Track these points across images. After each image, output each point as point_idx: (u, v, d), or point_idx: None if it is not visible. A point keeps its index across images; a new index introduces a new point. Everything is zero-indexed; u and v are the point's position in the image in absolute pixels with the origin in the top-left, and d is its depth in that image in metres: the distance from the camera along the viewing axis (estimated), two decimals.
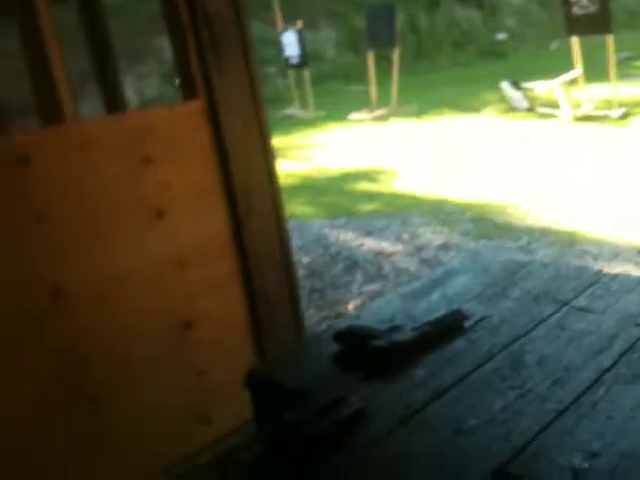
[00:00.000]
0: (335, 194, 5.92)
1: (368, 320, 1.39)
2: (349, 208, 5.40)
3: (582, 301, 1.36)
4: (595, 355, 1.15)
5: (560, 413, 1.00)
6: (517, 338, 1.25)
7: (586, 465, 0.89)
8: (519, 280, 1.50)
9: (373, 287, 3.68)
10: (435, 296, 1.50)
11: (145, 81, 15.38)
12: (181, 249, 2.22)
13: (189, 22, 2.27)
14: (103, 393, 2.01)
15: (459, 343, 1.26)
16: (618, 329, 1.22)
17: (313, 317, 3.33)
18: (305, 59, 11.77)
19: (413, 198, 5.36)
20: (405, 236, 4.47)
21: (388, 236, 4.52)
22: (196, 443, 2.10)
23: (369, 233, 4.63)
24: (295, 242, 4.47)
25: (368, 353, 1.23)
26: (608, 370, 1.09)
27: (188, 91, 2.31)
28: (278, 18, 12.90)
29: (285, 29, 12.32)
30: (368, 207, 5.36)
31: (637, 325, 1.23)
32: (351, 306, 3.42)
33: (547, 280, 1.49)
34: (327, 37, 18.44)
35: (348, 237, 4.59)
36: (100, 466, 1.97)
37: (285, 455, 0.99)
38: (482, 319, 1.35)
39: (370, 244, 4.41)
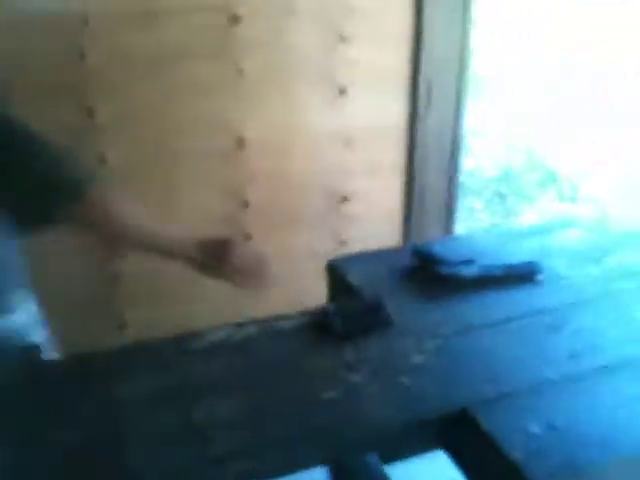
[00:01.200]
0: None
1: (455, 246, 1.50)
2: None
3: None
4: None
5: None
6: (573, 305, 1.30)
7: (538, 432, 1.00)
8: (626, 249, 1.49)
9: (559, 207, 3.58)
10: (534, 243, 1.54)
11: None
12: (354, 127, 2.40)
13: None
14: (256, 233, 2.36)
15: (516, 293, 1.34)
16: None
17: (483, 221, 3.38)
18: None
19: None
20: None
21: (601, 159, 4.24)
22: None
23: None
24: (505, 139, 4.40)
25: (428, 276, 1.37)
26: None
27: None
28: None
29: None
30: None
31: None
32: (525, 220, 3.40)
33: None
34: None
35: (563, 149, 4.38)
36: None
37: (312, 337, 1.21)
38: (558, 278, 1.40)
39: (578, 162, 4.19)
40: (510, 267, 1.38)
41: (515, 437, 1.00)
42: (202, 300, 2.33)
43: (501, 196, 3.69)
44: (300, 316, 1.29)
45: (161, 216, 2.20)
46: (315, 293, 2.39)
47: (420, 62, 2.39)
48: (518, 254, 1.46)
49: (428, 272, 1.38)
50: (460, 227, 2.84)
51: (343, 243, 2.50)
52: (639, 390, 1.09)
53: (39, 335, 1.37)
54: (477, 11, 2.46)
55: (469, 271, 1.36)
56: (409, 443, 1.12)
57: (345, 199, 2.47)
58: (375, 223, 2.54)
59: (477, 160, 4.12)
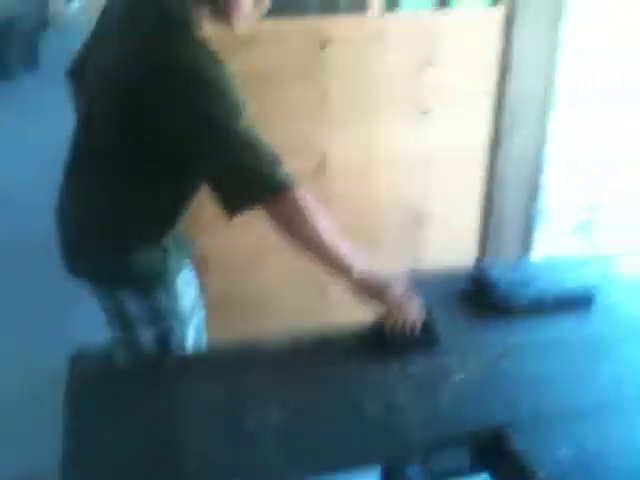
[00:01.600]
0: None
1: (512, 271, 1.53)
2: None
3: None
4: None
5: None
6: (621, 334, 1.31)
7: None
8: None
9: None
10: (592, 272, 1.55)
11: None
12: (435, 148, 2.45)
13: None
14: None
15: (566, 319, 1.37)
16: None
17: (567, 248, 3.30)
18: None
19: None
20: None
21: None
22: None
23: None
24: (598, 170, 4.26)
25: (481, 299, 1.42)
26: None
27: None
28: None
29: None
30: None
31: None
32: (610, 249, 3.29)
33: None
34: None
35: None
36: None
37: (362, 352, 1.30)
38: (611, 307, 1.41)
39: None
40: (563, 294, 1.41)
41: (544, 458, 1.04)
42: (279, 312, 2.47)
43: (589, 224, 3.59)
44: (353, 331, 1.37)
45: None
46: None
47: (507, 86, 2.42)
48: (574, 282, 1.47)
49: (482, 295, 1.43)
50: (542, 253, 2.81)
51: (420, 263, 2.55)
52: None
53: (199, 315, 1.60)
54: (566, 33, 2.45)
55: (521, 296, 1.40)
56: (447, 458, 1.18)
57: (424, 220, 2.53)
58: (453, 244, 2.57)
59: (567, 187, 4.03)
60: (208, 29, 1.41)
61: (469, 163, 2.50)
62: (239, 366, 1.29)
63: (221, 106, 1.25)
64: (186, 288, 1.53)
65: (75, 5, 10.52)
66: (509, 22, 2.35)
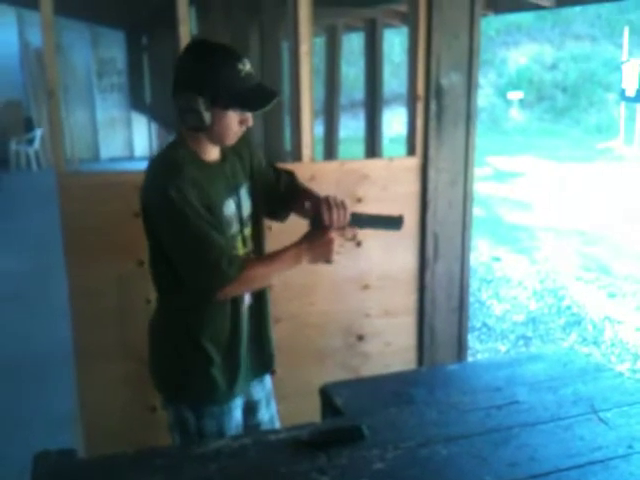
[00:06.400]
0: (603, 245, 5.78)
1: (434, 375, 1.74)
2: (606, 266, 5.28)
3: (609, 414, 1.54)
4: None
5: None
6: (524, 425, 1.51)
7: None
8: (579, 381, 1.70)
9: (583, 350, 3.72)
10: (503, 373, 1.77)
11: (479, 91, 15.81)
12: (369, 274, 2.72)
13: (423, 93, 2.72)
14: (282, 368, 2.63)
15: (477, 414, 1.56)
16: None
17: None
18: None
19: None
20: None
21: (629, 303, 4.39)
22: None
23: (611, 295, 4.54)
24: (534, 285, 4.64)
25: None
26: None
27: (410, 148, 2.78)
28: (626, 45, 12.41)
29: (628, 59, 11.88)
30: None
31: None
32: None
33: (605, 388, 1.67)
34: None
35: (592, 296, 4.56)
36: None
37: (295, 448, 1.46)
38: (517, 403, 1.62)
39: (608, 306, 4.35)
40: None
41: None
42: None
43: (526, 339, 3.86)
44: (287, 431, 1.54)
45: None
46: None
47: (427, 220, 2.75)
48: (487, 382, 1.69)
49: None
50: None
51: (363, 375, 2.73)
52: None
53: None
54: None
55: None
56: None
57: (361, 337, 2.74)
58: (391, 359, 2.77)
59: (505, 305, 4.34)
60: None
61: (402, 285, 2.77)
62: (187, 460, 1.43)
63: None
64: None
65: (35, 146, 11.01)
66: (423, 168, 2.74)
